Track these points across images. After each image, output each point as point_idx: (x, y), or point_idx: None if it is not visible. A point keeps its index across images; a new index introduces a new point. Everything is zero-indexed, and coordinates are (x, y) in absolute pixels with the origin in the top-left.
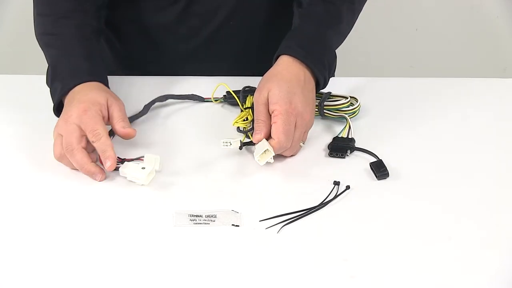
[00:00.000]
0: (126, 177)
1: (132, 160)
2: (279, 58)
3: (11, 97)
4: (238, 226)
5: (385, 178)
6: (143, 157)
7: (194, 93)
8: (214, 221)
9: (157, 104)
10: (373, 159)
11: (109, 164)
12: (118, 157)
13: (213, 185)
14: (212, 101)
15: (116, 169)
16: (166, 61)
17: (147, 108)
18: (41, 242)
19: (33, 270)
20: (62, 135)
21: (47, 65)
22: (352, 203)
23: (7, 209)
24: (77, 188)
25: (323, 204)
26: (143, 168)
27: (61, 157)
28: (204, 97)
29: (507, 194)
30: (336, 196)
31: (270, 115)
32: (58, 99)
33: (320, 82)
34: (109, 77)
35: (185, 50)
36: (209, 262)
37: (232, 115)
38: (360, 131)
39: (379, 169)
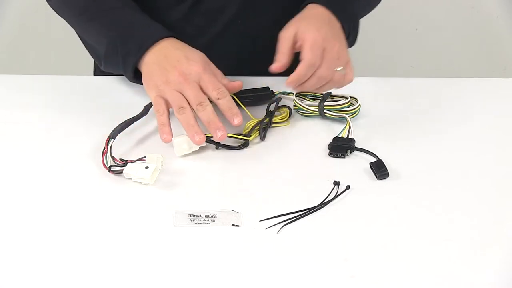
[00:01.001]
0: (131, 179)
1: (134, 161)
2: (304, 8)
3: (11, 97)
4: (238, 226)
5: (385, 178)
6: (144, 157)
7: None
8: (214, 221)
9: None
10: (373, 159)
11: (237, 121)
12: (120, 159)
13: (213, 185)
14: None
15: (120, 172)
16: None
17: (146, 109)
18: (41, 242)
19: (33, 269)
20: (181, 92)
21: (98, 46)
22: (352, 203)
23: (7, 208)
24: (78, 188)
25: (323, 204)
26: (147, 167)
27: (183, 110)
28: None
29: (507, 194)
30: (336, 196)
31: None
32: (136, 59)
33: (345, 30)
34: (109, 78)
35: None
36: (209, 262)
37: None
38: (360, 131)
39: (379, 169)
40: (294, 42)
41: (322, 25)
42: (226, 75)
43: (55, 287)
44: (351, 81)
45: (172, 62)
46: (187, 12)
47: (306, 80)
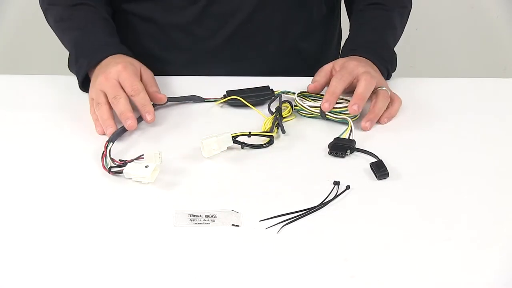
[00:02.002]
0: (131, 178)
1: (132, 160)
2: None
3: (11, 97)
4: (238, 226)
5: (385, 178)
6: (142, 155)
7: (194, 94)
8: (214, 221)
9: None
10: (373, 160)
11: (150, 117)
12: (119, 160)
13: (213, 185)
14: (212, 102)
15: (120, 172)
16: (181, 62)
17: None
18: (42, 243)
19: (32, 268)
20: (103, 91)
21: (68, 51)
22: (352, 203)
23: (7, 208)
24: (78, 189)
25: (323, 204)
26: (147, 166)
27: (99, 106)
28: (204, 97)
29: (507, 194)
30: (336, 196)
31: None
32: (84, 72)
33: (383, 72)
34: None
35: (201, 51)
36: (209, 262)
37: (232, 115)
38: (361, 130)
39: (379, 169)
40: (330, 70)
41: (361, 63)
42: (234, 76)
43: (55, 286)
44: (399, 102)
45: (103, 69)
46: (198, 14)
47: (358, 86)
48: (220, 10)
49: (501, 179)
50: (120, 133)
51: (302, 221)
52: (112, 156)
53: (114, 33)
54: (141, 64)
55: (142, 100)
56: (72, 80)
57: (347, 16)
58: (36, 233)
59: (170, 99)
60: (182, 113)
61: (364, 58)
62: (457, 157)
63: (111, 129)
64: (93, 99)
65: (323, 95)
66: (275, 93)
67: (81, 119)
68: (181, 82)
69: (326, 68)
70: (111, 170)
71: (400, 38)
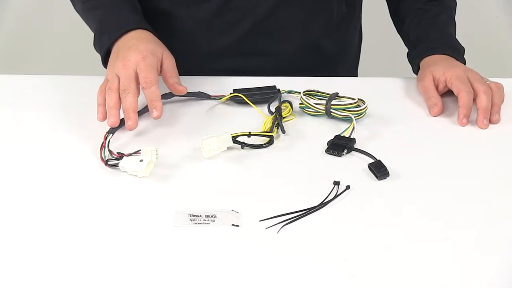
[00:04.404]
0: (126, 172)
1: (130, 154)
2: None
3: (11, 97)
4: (238, 226)
5: (385, 178)
6: (139, 150)
7: (201, 91)
8: (214, 221)
9: (162, 101)
10: (372, 160)
11: (156, 114)
12: (117, 153)
13: (213, 185)
14: (218, 99)
15: (116, 165)
16: (200, 56)
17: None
18: (40, 241)
19: (30, 268)
20: (118, 76)
21: (93, 32)
22: (352, 203)
23: (7, 207)
24: (78, 188)
25: (323, 204)
26: (141, 160)
27: (109, 91)
28: (211, 94)
29: (507, 194)
30: (336, 196)
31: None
32: (106, 49)
33: (461, 62)
34: None
35: (220, 45)
36: (209, 262)
37: (237, 113)
38: (361, 130)
39: (379, 169)
40: (436, 86)
41: (452, 63)
42: (253, 73)
43: (51, 282)
44: (502, 87)
45: (124, 50)
46: (218, 7)
47: (480, 100)
48: (240, 5)
49: (501, 179)
50: (120, 125)
51: (302, 221)
52: (111, 149)
53: (139, 11)
54: (164, 49)
55: (151, 94)
56: (72, 80)
57: (375, 16)
58: (35, 231)
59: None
60: (187, 110)
61: (448, 56)
62: (457, 157)
63: (113, 119)
64: (108, 80)
65: (327, 93)
66: (281, 93)
67: (81, 118)
68: (191, 81)
69: (430, 84)
70: (108, 163)
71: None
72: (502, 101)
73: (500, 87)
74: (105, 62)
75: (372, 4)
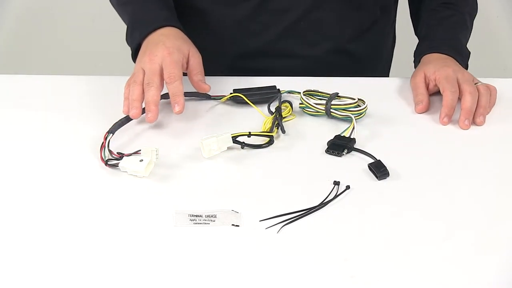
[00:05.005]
0: (126, 172)
1: (130, 154)
2: (420, 60)
3: (11, 97)
4: (238, 226)
5: (386, 178)
6: (139, 150)
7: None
8: (214, 221)
9: (162, 101)
10: (371, 160)
11: (178, 109)
12: (117, 153)
13: (213, 185)
14: (218, 99)
15: (116, 165)
16: (232, 56)
17: None
18: (40, 241)
19: (30, 268)
20: (144, 70)
21: (126, 25)
22: (352, 203)
23: (7, 207)
24: (78, 188)
25: (323, 204)
26: (141, 160)
27: (133, 84)
28: (211, 94)
29: (507, 194)
30: (336, 196)
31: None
32: (136, 44)
33: (461, 64)
34: (110, 77)
35: (252, 46)
36: (209, 262)
37: (237, 113)
38: (361, 130)
39: (379, 169)
40: (427, 85)
41: (446, 62)
42: (283, 74)
43: (51, 282)
44: (494, 89)
45: (151, 46)
46: (254, 9)
47: (464, 101)
48: (275, 7)
49: (501, 179)
50: (120, 124)
51: (302, 221)
52: (111, 149)
53: (170, 7)
54: (191, 46)
55: (174, 89)
56: (73, 80)
57: (410, 21)
58: (35, 231)
59: None
60: (187, 110)
61: (447, 56)
62: (457, 157)
63: (135, 111)
64: (134, 74)
65: (327, 93)
66: (282, 93)
67: (81, 118)
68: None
69: (421, 82)
70: (108, 163)
71: (400, 38)
72: (493, 104)
73: (489, 89)
74: (135, 56)
75: (406, 6)
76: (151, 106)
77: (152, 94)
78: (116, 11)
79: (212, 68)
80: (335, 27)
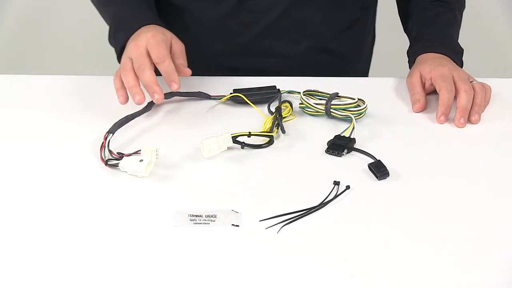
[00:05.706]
0: (126, 172)
1: (130, 154)
2: (415, 60)
3: (11, 97)
4: (238, 226)
5: (386, 178)
6: (140, 150)
7: (201, 91)
8: (214, 221)
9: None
10: (371, 160)
11: (175, 86)
12: (117, 153)
13: (213, 185)
14: (218, 99)
15: (116, 165)
16: (213, 54)
17: (151, 104)
18: (40, 241)
19: (31, 268)
20: (130, 58)
21: (108, 26)
22: (352, 203)
23: (7, 207)
24: (78, 188)
25: (323, 204)
26: (141, 160)
27: (125, 72)
28: (211, 94)
29: (507, 194)
30: (336, 196)
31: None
32: (121, 44)
33: (456, 61)
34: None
35: (234, 44)
36: (209, 262)
37: (237, 113)
38: (361, 130)
39: (379, 169)
40: (423, 84)
41: (441, 62)
42: (264, 73)
43: (51, 282)
44: (489, 88)
45: (134, 37)
46: (233, 8)
47: (460, 99)
48: (255, 5)
49: (501, 179)
50: (120, 124)
51: (302, 221)
52: (111, 149)
53: (151, 7)
54: (173, 35)
55: (167, 68)
56: (73, 80)
57: (389, 20)
58: (35, 231)
59: (176, 94)
60: (187, 110)
61: (442, 55)
62: (457, 157)
63: (138, 97)
64: (129, 58)
65: (327, 93)
66: (281, 93)
67: (81, 118)
68: (191, 80)
69: (417, 81)
70: (108, 163)
71: (400, 38)
72: (487, 103)
73: (484, 88)
74: (119, 58)
75: (386, 4)
76: (153, 87)
77: (148, 75)
78: (98, 11)
79: (191, 66)
80: (316, 26)
